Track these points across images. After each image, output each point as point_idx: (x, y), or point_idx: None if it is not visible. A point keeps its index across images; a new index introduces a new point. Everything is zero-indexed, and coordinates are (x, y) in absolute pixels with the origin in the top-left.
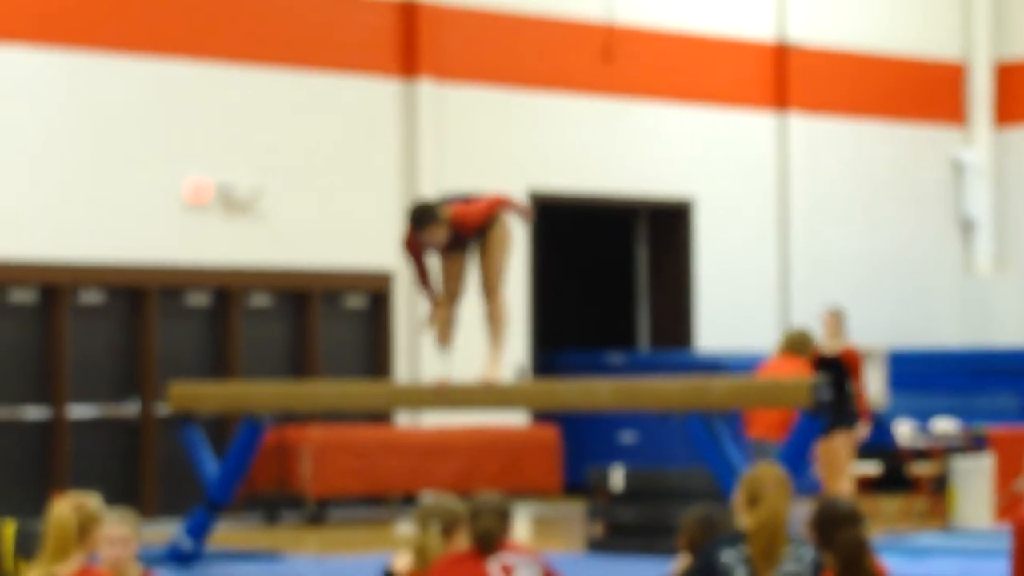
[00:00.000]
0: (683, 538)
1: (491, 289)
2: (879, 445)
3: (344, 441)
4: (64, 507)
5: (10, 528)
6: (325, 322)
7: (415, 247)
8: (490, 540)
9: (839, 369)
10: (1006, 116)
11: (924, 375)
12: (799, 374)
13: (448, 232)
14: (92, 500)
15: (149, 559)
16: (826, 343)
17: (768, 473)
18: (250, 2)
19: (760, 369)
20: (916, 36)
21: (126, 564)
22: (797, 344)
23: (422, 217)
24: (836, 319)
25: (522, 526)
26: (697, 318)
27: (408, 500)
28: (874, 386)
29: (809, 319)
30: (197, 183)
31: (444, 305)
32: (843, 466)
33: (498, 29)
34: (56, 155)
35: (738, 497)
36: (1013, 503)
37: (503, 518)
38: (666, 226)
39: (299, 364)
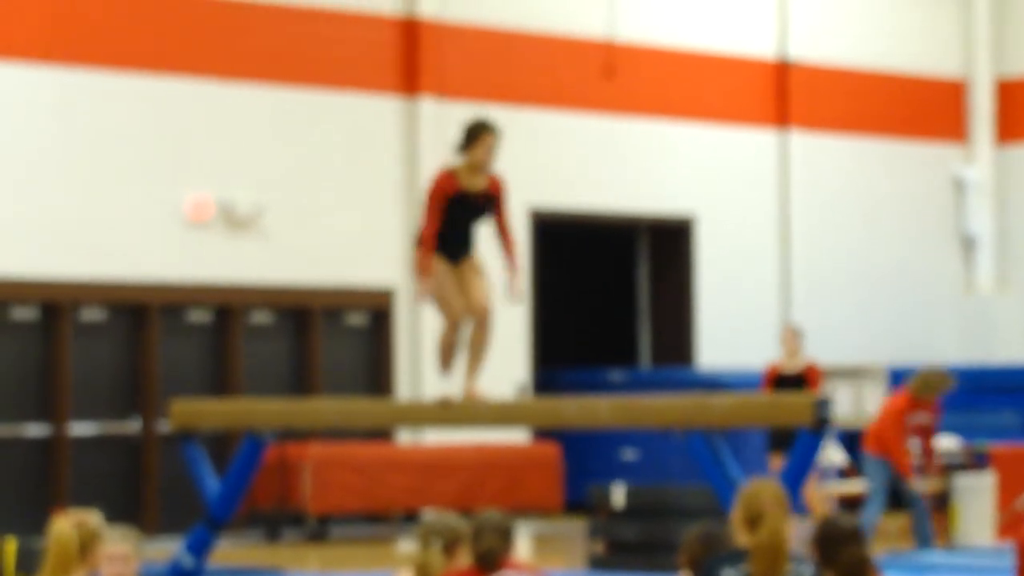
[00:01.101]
0: (684, 555)
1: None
2: None
3: (345, 458)
4: (65, 524)
5: (11, 545)
6: (326, 339)
7: (445, 190)
8: (492, 558)
9: (801, 386)
10: (1007, 133)
11: None
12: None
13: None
14: (93, 517)
15: None
16: (786, 361)
17: (766, 490)
18: (253, 20)
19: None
20: (917, 53)
21: None
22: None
23: (485, 125)
24: (795, 337)
25: (523, 544)
26: (698, 335)
27: (409, 517)
28: (875, 403)
29: (810, 336)
30: (198, 200)
31: (452, 329)
32: (812, 486)
33: (499, 46)
34: (58, 172)
35: (736, 515)
36: (1015, 521)
37: (505, 536)
38: (667, 243)
39: (300, 381)
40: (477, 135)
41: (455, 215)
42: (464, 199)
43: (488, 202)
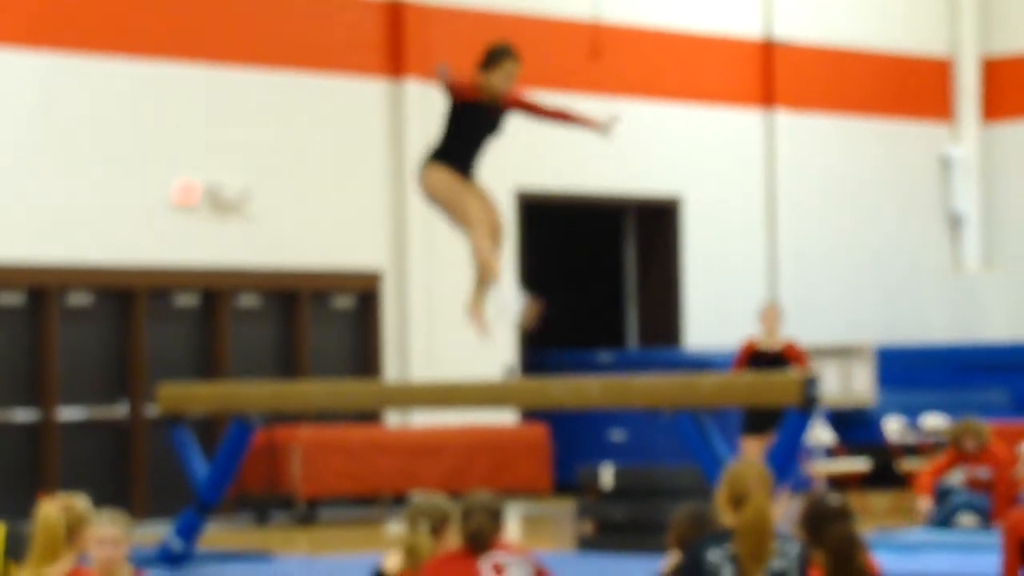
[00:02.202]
0: (672, 535)
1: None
2: (868, 441)
3: (334, 441)
4: (51, 508)
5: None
6: (314, 322)
7: (466, 85)
8: (481, 539)
9: (780, 365)
10: (993, 111)
11: (913, 371)
12: None
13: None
14: (80, 501)
15: (139, 560)
16: (764, 338)
17: (750, 470)
18: (237, 3)
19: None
20: (902, 32)
21: (117, 565)
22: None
23: (506, 50)
24: (775, 314)
25: (512, 525)
26: (685, 316)
27: (398, 500)
28: (863, 382)
29: (797, 316)
30: (185, 184)
31: (482, 232)
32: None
33: (485, 28)
34: (44, 157)
35: (721, 495)
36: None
37: (494, 517)
38: (654, 224)
39: (288, 364)
40: (497, 60)
41: (467, 123)
42: (483, 110)
43: (498, 115)
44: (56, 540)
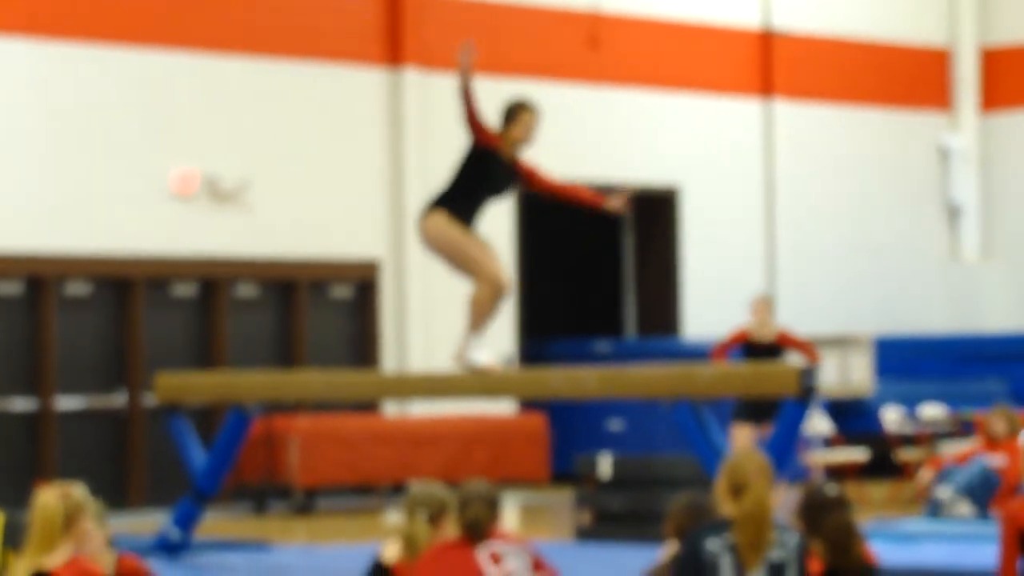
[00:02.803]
0: (670, 525)
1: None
2: (867, 431)
3: (332, 431)
4: (49, 497)
5: None
6: (312, 312)
7: (489, 135)
8: (479, 528)
9: (775, 354)
10: (992, 102)
11: (911, 361)
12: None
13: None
14: (78, 490)
15: (137, 549)
16: (757, 329)
17: (750, 460)
18: None
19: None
20: (901, 22)
21: (95, 555)
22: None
23: (523, 104)
24: (766, 305)
25: (510, 514)
26: (684, 305)
27: (396, 489)
28: (861, 372)
29: (796, 306)
30: (183, 173)
31: (490, 288)
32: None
33: (483, 17)
34: (42, 146)
35: (720, 485)
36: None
37: (492, 506)
38: (652, 213)
39: (286, 354)
40: (516, 114)
41: (482, 172)
42: (501, 164)
43: (511, 176)
44: (54, 529)
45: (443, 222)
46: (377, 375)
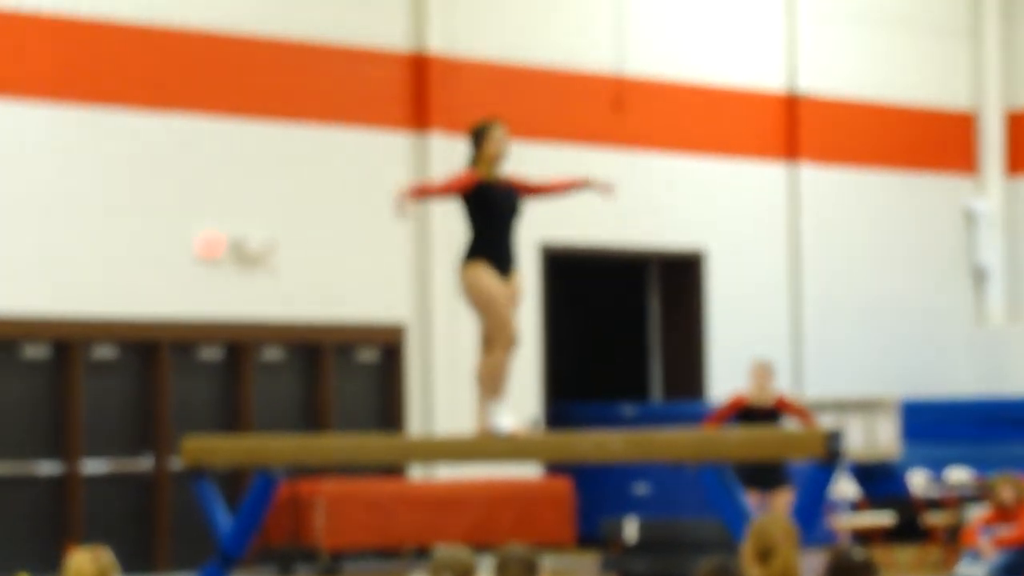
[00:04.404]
0: None
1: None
2: (893, 495)
3: (358, 494)
4: (83, 559)
5: None
6: (338, 376)
7: (466, 179)
8: None
9: (774, 420)
10: (1018, 165)
11: (937, 424)
12: None
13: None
14: (106, 553)
15: None
16: (756, 394)
17: (777, 524)
18: (262, 56)
19: None
20: (927, 85)
21: None
22: None
23: (486, 121)
24: (766, 371)
25: None
26: (709, 369)
27: (422, 553)
28: (887, 435)
29: (822, 369)
30: (209, 237)
31: (505, 350)
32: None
33: (508, 81)
34: (68, 209)
35: (747, 548)
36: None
37: (530, 569)
38: (678, 277)
39: (312, 418)
40: (483, 134)
41: (491, 211)
42: (493, 190)
43: (515, 194)
44: None
45: (479, 274)
46: (403, 439)
